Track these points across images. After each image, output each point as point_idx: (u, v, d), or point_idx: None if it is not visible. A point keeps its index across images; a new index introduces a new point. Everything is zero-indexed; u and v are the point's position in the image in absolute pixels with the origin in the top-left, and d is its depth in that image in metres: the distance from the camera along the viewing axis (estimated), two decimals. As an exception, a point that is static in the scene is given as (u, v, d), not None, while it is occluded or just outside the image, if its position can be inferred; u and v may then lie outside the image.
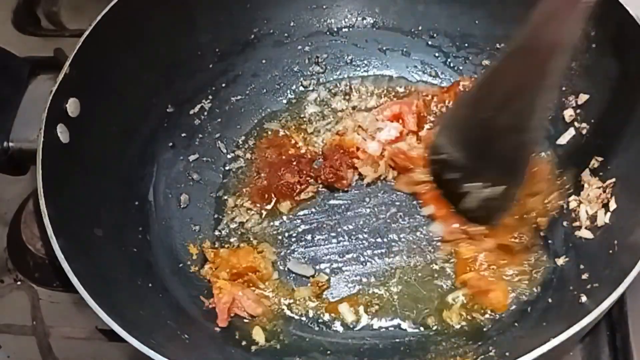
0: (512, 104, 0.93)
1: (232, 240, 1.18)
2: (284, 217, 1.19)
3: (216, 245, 1.17)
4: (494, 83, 0.98)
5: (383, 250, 1.14)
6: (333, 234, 1.17)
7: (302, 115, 1.30)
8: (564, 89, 1.15)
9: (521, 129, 0.94)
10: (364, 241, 1.16)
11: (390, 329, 1.07)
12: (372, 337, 1.06)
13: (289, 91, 1.32)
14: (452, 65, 1.30)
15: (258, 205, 1.20)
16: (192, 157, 1.26)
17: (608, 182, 1.05)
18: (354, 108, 1.29)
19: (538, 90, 0.90)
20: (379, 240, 1.15)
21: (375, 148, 1.20)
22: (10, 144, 1.15)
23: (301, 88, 1.32)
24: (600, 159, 1.08)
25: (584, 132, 1.13)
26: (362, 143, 1.21)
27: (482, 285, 1.06)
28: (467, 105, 1.06)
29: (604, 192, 1.04)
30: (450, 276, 1.10)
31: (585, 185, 1.08)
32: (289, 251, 1.16)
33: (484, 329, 1.04)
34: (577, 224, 1.08)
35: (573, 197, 1.09)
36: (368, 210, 1.19)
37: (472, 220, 1.08)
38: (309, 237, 1.17)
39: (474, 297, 1.06)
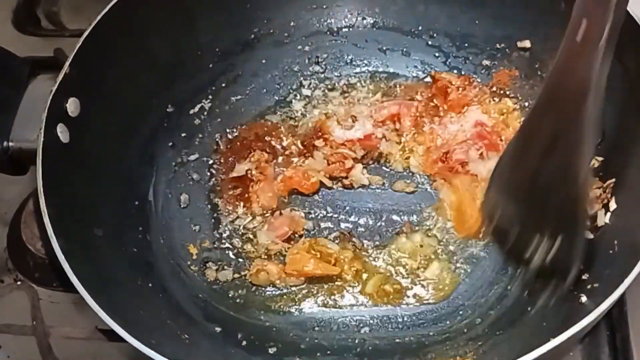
0: (553, 154, 0.87)
1: (233, 241, 1.17)
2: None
3: (216, 245, 1.17)
4: (529, 139, 0.91)
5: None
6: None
7: (295, 115, 1.30)
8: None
9: (570, 180, 0.87)
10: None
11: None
12: (373, 337, 1.06)
13: (289, 91, 1.32)
14: (452, 65, 1.30)
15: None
16: (192, 157, 1.25)
17: (608, 182, 1.05)
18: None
19: (578, 137, 0.83)
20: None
21: (339, 135, 1.22)
22: (10, 144, 1.15)
23: (301, 88, 1.32)
24: (600, 158, 1.08)
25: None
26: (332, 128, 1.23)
27: None
28: (510, 158, 0.99)
29: (604, 192, 1.04)
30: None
31: None
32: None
33: (484, 329, 1.04)
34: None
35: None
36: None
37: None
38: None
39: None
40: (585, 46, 0.78)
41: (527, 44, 1.22)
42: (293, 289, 1.11)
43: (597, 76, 0.79)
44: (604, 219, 1.03)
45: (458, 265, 1.11)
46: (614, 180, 1.04)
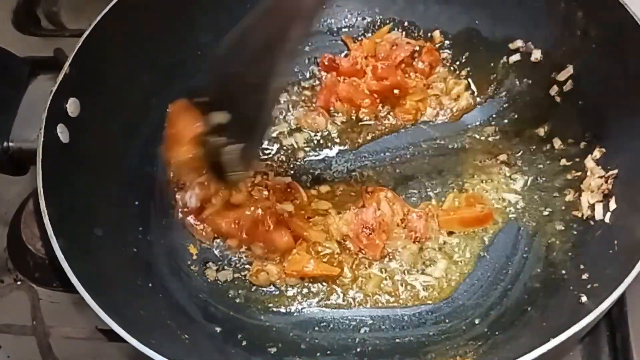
0: (257, 63, 0.95)
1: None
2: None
3: (216, 245, 1.17)
4: (243, 41, 0.99)
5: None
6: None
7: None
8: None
9: (262, 89, 0.95)
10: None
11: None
12: (373, 337, 1.07)
13: (289, 91, 1.32)
14: (452, 64, 1.30)
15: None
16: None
17: (610, 172, 1.05)
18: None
19: (279, 53, 0.94)
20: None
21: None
22: (10, 144, 1.15)
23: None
24: (602, 150, 1.09)
25: (586, 134, 1.13)
26: None
27: None
28: (223, 60, 1.04)
29: (606, 182, 1.05)
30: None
31: (588, 173, 1.09)
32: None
33: (484, 329, 1.04)
34: (577, 213, 1.08)
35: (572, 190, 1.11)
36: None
37: (212, 174, 1.07)
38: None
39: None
40: None
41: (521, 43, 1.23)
42: (293, 289, 1.11)
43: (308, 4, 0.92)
44: (601, 213, 1.03)
45: (458, 266, 1.11)
46: (616, 171, 1.04)
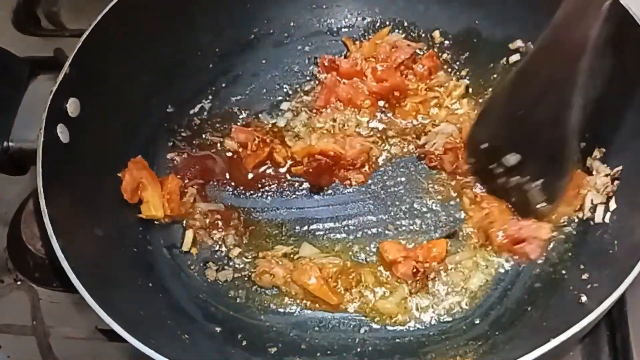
0: (545, 98, 0.97)
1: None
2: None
3: (216, 245, 1.17)
4: (525, 80, 1.01)
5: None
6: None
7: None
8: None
9: (557, 123, 0.97)
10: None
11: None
12: (373, 337, 1.06)
13: (288, 91, 1.32)
14: (452, 65, 1.30)
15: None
16: (192, 157, 1.25)
17: (615, 170, 1.05)
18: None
19: (569, 87, 0.94)
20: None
21: None
22: (10, 144, 1.15)
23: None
24: (602, 149, 1.09)
25: (586, 134, 1.13)
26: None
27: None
28: (501, 102, 1.08)
29: (612, 182, 1.05)
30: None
31: (594, 172, 1.08)
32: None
33: (484, 329, 1.04)
34: (578, 214, 1.08)
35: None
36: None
37: (518, 211, 1.09)
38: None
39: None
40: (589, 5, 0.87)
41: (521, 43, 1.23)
42: (294, 290, 1.11)
43: (593, 34, 0.89)
44: (601, 216, 1.03)
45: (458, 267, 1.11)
46: (620, 168, 1.04)
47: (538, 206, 1.06)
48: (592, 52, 0.91)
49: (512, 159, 1.04)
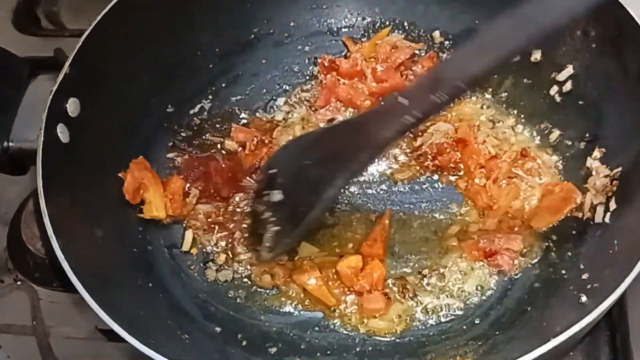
0: (323, 167, 1.01)
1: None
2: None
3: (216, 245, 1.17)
4: (326, 138, 1.06)
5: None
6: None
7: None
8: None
9: (318, 191, 1.01)
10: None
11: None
12: (373, 337, 1.06)
13: (288, 91, 1.32)
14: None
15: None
16: (192, 157, 1.25)
17: (615, 171, 1.05)
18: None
19: (344, 170, 1.00)
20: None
21: None
22: (10, 144, 1.15)
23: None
24: (603, 150, 1.09)
25: (586, 134, 1.13)
26: None
27: None
28: (304, 142, 1.11)
29: (611, 183, 1.05)
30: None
31: (593, 173, 1.08)
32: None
33: (484, 329, 1.04)
34: (578, 214, 1.08)
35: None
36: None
37: (250, 240, 1.14)
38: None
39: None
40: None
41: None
42: (293, 291, 1.11)
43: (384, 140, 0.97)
44: (602, 216, 1.03)
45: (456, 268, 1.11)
46: (620, 169, 1.04)
47: (260, 248, 1.08)
48: (376, 151, 1.00)
49: (276, 196, 1.04)
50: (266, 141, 1.24)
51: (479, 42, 0.90)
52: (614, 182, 1.04)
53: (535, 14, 0.83)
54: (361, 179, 1.20)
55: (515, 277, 1.08)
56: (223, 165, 1.20)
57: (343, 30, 1.35)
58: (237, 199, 1.20)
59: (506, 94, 1.25)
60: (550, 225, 1.10)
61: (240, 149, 1.24)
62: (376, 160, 1.20)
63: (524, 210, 1.13)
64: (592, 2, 0.82)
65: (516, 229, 1.11)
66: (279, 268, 1.11)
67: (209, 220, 1.18)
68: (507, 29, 0.86)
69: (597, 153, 1.09)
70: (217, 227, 1.18)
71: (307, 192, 1.02)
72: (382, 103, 0.98)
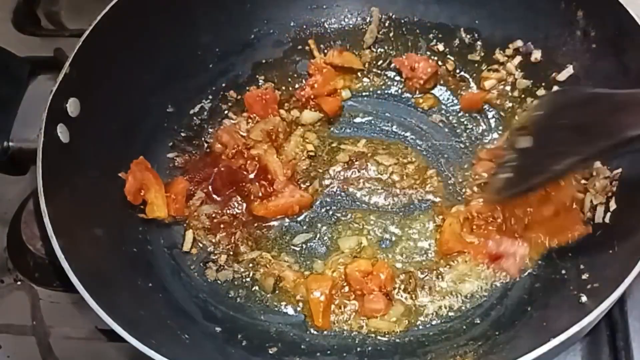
0: (578, 132, 0.96)
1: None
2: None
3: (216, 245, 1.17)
4: (591, 104, 0.99)
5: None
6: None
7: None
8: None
9: (565, 156, 0.97)
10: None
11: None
12: (373, 337, 1.07)
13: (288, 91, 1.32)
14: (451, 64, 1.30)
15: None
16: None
17: (615, 172, 1.05)
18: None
19: (595, 144, 0.94)
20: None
21: None
22: (10, 144, 1.15)
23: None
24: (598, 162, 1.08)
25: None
26: None
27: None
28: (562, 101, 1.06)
29: (611, 184, 1.05)
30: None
31: (594, 174, 1.08)
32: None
33: (484, 329, 1.04)
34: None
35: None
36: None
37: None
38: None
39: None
40: None
41: (521, 43, 1.23)
42: (300, 293, 1.11)
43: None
44: (602, 216, 1.03)
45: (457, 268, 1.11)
46: (620, 170, 1.04)
47: (490, 190, 1.09)
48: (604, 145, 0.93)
49: (525, 142, 1.02)
50: (245, 154, 1.21)
51: None
52: (614, 182, 1.04)
53: None
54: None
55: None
56: (223, 168, 1.20)
57: (344, 30, 1.34)
58: (238, 199, 1.20)
59: (506, 93, 1.25)
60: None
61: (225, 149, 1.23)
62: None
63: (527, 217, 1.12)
64: None
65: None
66: (290, 272, 1.12)
67: (210, 220, 1.18)
68: None
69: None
70: (218, 227, 1.18)
71: (549, 154, 0.99)
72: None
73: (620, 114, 0.91)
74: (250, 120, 1.27)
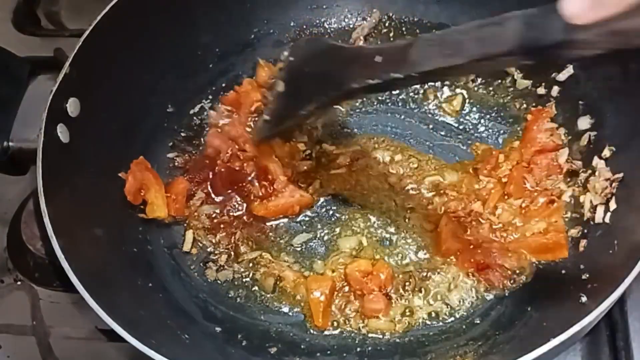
0: (323, 80, 1.05)
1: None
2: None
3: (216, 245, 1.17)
4: (334, 53, 1.07)
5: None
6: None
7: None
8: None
9: (308, 102, 1.06)
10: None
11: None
12: (373, 337, 1.07)
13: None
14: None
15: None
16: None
17: (615, 176, 1.05)
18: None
19: (336, 87, 1.02)
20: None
21: None
22: (10, 144, 1.15)
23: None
24: (612, 148, 1.08)
25: (590, 134, 1.13)
26: None
27: None
28: (311, 50, 1.12)
29: (610, 186, 1.04)
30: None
31: (596, 174, 1.08)
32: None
33: (484, 329, 1.04)
34: (577, 215, 1.08)
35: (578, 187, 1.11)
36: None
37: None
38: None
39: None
40: None
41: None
42: (299, 293, 1.11)
43: None
44: (602, 217, 1.03)
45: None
46: (621, 174, 1.04)
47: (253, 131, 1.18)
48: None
49: (280, 85, 1.10)
50: (241, 157, 1.20)
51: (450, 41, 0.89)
52: (614, 183, 1.04)
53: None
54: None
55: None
56: (223, 168, 1.20)
57: (343, 30, 1.34)
58: (238, 199, 1.20)
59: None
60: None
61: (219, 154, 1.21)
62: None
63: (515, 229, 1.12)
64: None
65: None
66: (290, 272, 1.12)
67: (210, 220, 1.18)
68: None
69: (606, 152, 1.08)
70: (218, 227, 1.18)
71: (296, 98, 1.07)
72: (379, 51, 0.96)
73: (349, 66, 0.99)
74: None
